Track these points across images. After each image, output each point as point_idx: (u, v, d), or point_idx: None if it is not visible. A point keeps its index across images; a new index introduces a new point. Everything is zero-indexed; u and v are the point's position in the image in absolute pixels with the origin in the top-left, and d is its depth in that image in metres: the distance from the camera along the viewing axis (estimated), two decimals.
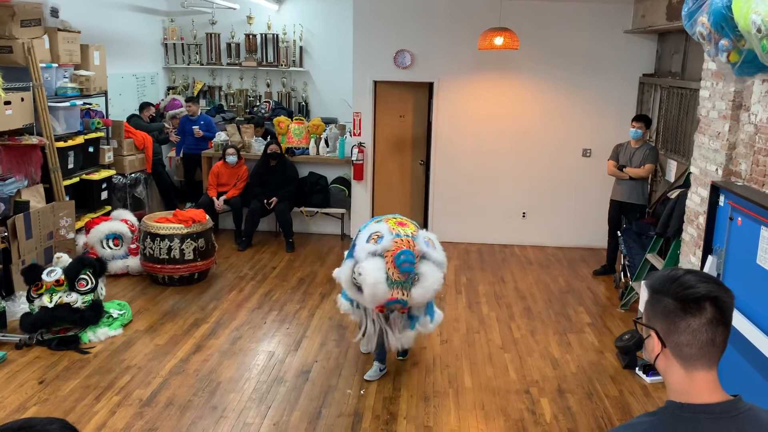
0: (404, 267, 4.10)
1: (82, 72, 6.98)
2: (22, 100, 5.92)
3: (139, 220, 6.89)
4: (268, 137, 8.72)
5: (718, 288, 1.40)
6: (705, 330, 1.39)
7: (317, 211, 8.37)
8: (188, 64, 10.27)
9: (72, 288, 5.24)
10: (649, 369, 4.80)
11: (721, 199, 4.22)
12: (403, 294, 4.14)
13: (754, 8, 2.69)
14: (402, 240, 4.21)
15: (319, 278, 6.85)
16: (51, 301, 5.11)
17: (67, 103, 6.73)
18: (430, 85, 8.10)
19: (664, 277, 1.45)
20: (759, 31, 2.70)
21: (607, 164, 6.96)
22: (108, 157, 7.46)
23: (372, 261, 4.17)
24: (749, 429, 1.39)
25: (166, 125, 8.96)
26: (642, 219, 6.68)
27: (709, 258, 4.23)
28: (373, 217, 6.16)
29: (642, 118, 6.70)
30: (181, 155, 9.01)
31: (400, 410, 4.32)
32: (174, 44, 10.21)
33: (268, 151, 7.88)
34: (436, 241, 4.60)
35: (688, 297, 1.39)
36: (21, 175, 6.00)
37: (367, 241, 4.30)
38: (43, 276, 5.18)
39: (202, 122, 8.78)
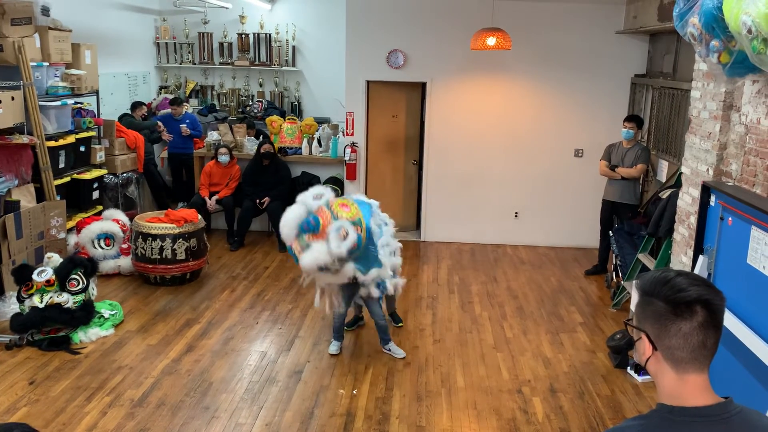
0: (302, 226, 4.54)
1: (73, 71, 6.94)
2: (13, 99, 5.88)
3: (131, 219, 6.86)
4: (261, 137, 8.70)
5: (710, 291, 1.40)
6: (696, 333, 1.39)
7: None
8: (180, 64, 10.23)
9: (63, 288, 5.21)
10: (641, 368, 4.82)
11: (712, 199, 4.24)
12: (297, 248, 4.55)
13: (744, 9, 2.71)
14: (325, 211, 4.58)
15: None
16: (42, 302, 5.08)
17: (58, 102, 6.70)
18: (423, 85, 8.10)
19: (654, 279, 1.44)
20: (749, 32, 2.71)
21: (599, 164, 6.99)
22: (99, 156, 7.43)
23: (296, 207, 4.68)
24: (740, 431, 1.39)
25: (159, 123, 8.92)
26: (634, 219, 6.71)
27: (700, 258, 4.25)
28: None
29: (634, 119, 6.73)
30: (166, 155, 8.98)
31: (392, 410, 4.32)
32: (166, 43, 10.17)
33: (262, 151, 7.86)
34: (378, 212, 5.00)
35: (680, 300, 1.39)
36: (11, 175, 5.97)
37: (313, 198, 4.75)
38: (34, 276, 5.15)
39: (187, 121, 8.74)
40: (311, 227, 4.51)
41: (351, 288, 4.98)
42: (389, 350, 5.13)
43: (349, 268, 4.63)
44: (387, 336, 5.15)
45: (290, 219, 4.60)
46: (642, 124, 6.87)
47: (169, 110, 9.03)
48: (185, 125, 8.64)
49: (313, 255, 4.46)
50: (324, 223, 4.51)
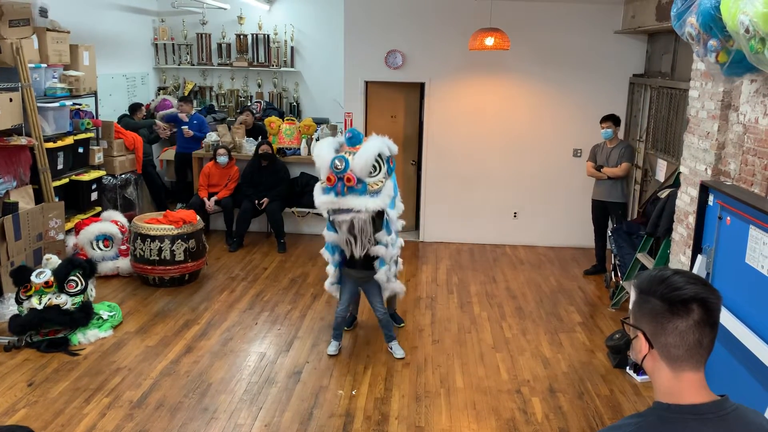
0: (346, 133, 4.80)
1: (71, 72, 6.94)
2: (11, 100, 5.87)
3: (130, 221, 6.86)
4: (260, 137, 8.70)
5: (706, 289, 1.40)
6: (692, 331, 1.39)
7: (308, 212, 8.35)
8: (179, 65, 10.24)
9: (61, 289, 5.21)
10: (640, 368, 4.81)
11: (711, 198, 4.25)
12: (346, 154, 4.66)
13: (742, 9, 2.71)
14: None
15: (311, 279, 6.84)
16: (40, 303, 5.07)
17: (56, 104, 6.69)
18: (422, 86, 8.10)
19: (651, 278, 1.45)
20: (747, 31, 2.72)
21: (585, 165, 7.04)
22: (98, 157, 7.42)
23: (324, 140, 4.92)
24: (736, 429, 1.39)
25: (157, 122, 8.92)
26: (625, 216, 6.76)
27: (699, 257, 4.25)
28: None
29: (609, 118, 6.83)
30: (165, 156, 8.99)
31: (391, 410, 4.32)
32: (164, 44, 10.18)
33: (260, 152, 7.86)
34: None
35: (676, 298, 1.39)
36: (10, 176, 5.96)
37: None
38: (32, 278, 5.15)
39: (194, 122, 8.74)
40: (357, 132, 4.84)
41: (354, 285, 5.10)
42: (391, 348, 5.14)
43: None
44: (391, 333, 5.17)
45: (323, 145, 4.82)
46: (619, 122, 6.95)
47: (172, 109, 9.03)
48: (187, 126, 8.61)
49: (372, 144, 4.70)
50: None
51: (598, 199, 6.98)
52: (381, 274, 5.01)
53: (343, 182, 4.60)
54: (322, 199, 4.75)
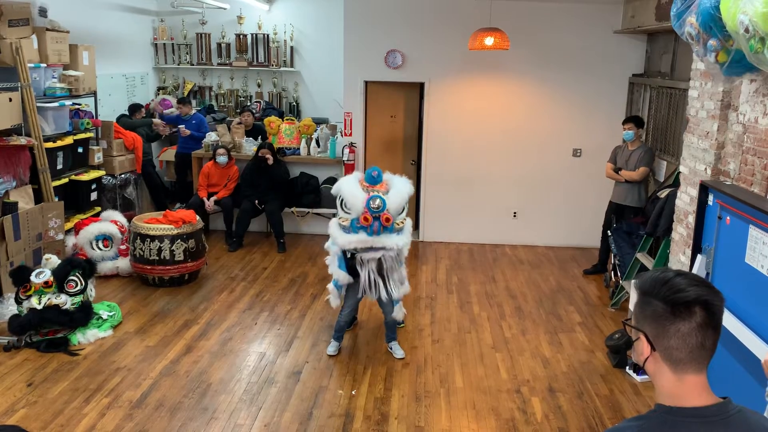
0: (371, 171, 4.78)
1: (71, 72, 6.94)
2: (10, 100, 5.87)
3: (129, 221, 6.85)
4: (259, 137, 8.69)
5: (709, 291, 1.39)
6: (695, 334, 1.38)
7: (308, 212, 8.35)
8: (178, 65, 10.23)
9: (61, 289, 5.20)
10: (640, 368, 4.80)
11: (710, 198, 4.25)
12: (378, 192, 4.70)
13: (741, 8, 2.71)
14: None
15: (311, 279, 6.84)
16: (40, 303, 5.07)
17: (55, 104, 6.69)
18: (421, 86, 8.10)
19: (653, 279, 1.44)
20: (747, 31, 2.72)
21: (605, 166, 6.94)
22: (97, 157, 7.42)
23: (347, 178, 4.92)
24: None
25: (155, 121, 8.91)
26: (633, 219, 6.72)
27: (699, 257, 4.25)
28: None
29: (631, 120, 6.69)
30: (165, 156, 9.01)
31: (391, 410, 4.32)
32: (164, 44, 10.18)
33: (260, 155, 7.85)
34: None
35: (678, 301, 1.38)
36: (9, 176, 5.96)
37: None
38: (32, 277, 5.14)
39: (193, 122, 8.75)
40: (378, 169, 4.82)
41: (357, 291, 5.06)
42: (391, 348, 5.14)
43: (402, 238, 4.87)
44: (394, 334, 5.19)
45: (352, 185, 4.78)
46: (641, 123, 6.79)
47: (171, 109, 9.03)
48: (184, 126, 8.62)
49: (403, 183, 4.84)
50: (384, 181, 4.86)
51: (614, 201, 6.84)
52: (398, 313, 5.04)
53: (380, 222, 4.66)
54: (349, 238, 4.74)
